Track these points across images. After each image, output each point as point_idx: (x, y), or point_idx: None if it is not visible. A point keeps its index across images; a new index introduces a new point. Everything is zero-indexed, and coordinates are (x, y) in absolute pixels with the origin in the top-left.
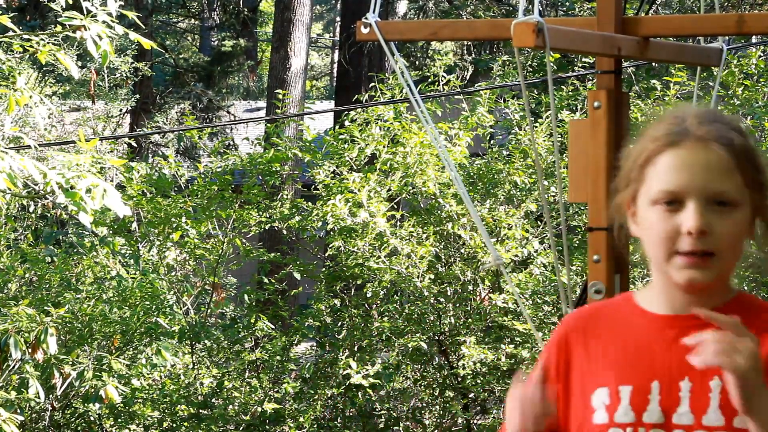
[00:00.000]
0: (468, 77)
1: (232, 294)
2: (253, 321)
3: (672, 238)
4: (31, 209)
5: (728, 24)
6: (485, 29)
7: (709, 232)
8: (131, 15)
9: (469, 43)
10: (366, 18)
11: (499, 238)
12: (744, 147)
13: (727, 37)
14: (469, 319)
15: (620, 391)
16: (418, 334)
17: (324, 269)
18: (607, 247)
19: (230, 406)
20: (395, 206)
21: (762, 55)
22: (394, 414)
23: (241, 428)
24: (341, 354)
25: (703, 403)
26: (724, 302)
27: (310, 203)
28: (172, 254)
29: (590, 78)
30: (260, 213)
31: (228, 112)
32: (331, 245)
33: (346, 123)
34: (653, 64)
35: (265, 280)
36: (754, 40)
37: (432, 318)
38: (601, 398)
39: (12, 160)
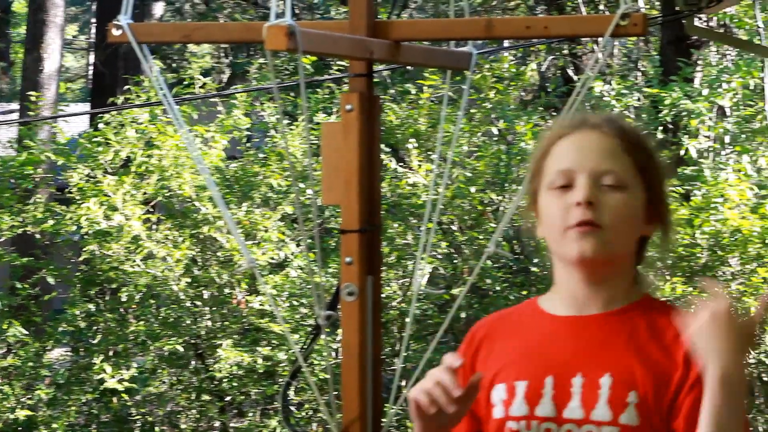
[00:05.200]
0: (225, 80)
1: None
2: (5, 327)
3: (564, 216)
4: None
5: (477, 28)
6: (239, 32)
7: (595, 204)
8: None
9: (227, 45)
10: (118, 20)
11: (256, 241)
12: (635, 134)
13: (478, 41)
14: (226, 322)
15: (516, 386)
16: (174, 338)
17: (78, 273)
18: (360, 249)
19: None
20: (151, 209)
21: (513, 59)
22: (150, 419)
23: None
24: (96, 359)
25: (593, 399)
26: (629, 302)
27: (64, 207)
28: None
29: (345, 81)
30: (12, 217)
31: None
32: (85, 249)
33: (101, 125)
34: (408, 68)
35: (18, 285)
36: (506, 44)
37: (188, 321)
38: (500, 394)
39: None
